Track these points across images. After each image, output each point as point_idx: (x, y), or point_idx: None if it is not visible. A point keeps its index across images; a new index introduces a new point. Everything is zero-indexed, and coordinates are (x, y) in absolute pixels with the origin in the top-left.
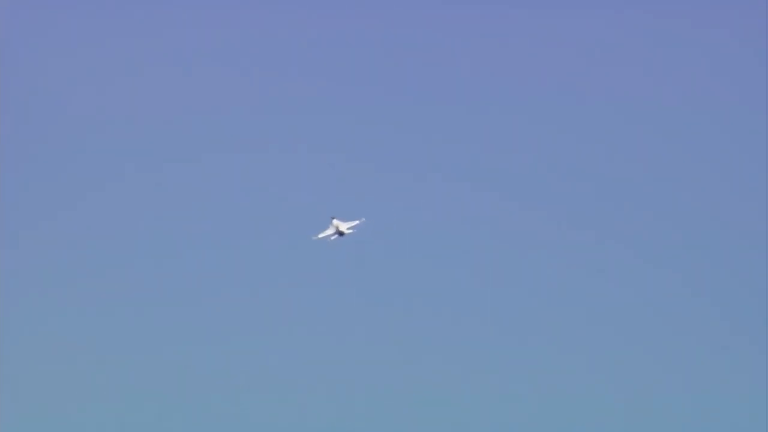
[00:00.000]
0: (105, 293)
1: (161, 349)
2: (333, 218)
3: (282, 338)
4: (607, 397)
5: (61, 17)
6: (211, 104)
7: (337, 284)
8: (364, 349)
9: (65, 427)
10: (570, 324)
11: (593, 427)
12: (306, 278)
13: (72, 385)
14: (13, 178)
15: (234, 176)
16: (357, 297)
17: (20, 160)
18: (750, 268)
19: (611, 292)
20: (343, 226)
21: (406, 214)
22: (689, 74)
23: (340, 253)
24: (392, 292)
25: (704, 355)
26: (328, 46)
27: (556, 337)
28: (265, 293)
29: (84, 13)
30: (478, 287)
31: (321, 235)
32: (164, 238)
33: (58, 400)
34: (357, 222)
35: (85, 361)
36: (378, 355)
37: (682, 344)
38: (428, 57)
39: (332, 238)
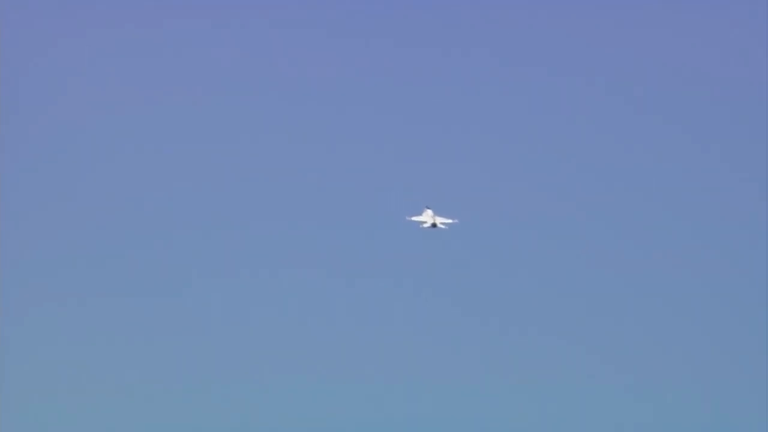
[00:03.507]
0: (116, 289)
1: (176, 345)
2: (427, 208)
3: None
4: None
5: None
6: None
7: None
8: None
9: (65, 426)
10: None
11: None
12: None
13: (72, 386)
14: (12, 177)
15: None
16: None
17: (20, 161)
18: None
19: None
20: (438, 220)
21: (502, 221)
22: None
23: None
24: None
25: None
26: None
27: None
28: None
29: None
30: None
31: (414, 218)
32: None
33: (58, 400)
34: (451, 221)
35: (87, 361)
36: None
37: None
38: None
39: (424, 225)
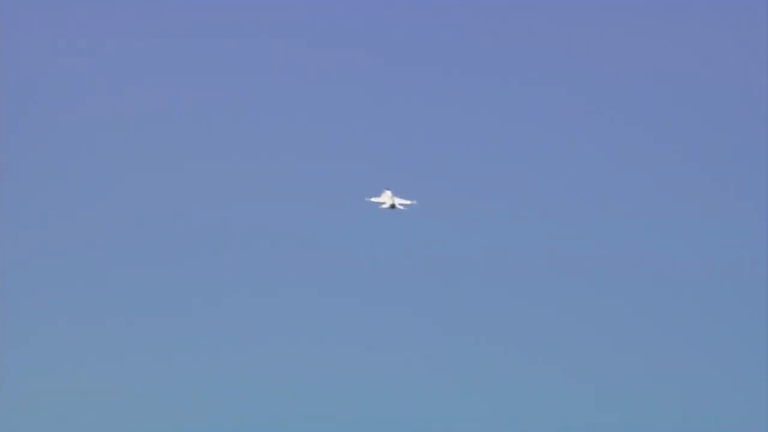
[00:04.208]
0: (111, 293)
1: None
2: (387, 189)
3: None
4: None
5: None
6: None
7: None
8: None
9: (65, 427)
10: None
11: None
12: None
13: (72, 389)
14: (12, 180)
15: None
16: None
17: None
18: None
19: None
20: (396, 201)
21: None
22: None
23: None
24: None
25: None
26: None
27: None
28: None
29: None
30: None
31: (373, 200)
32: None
33: (58, 402)
34: (409, 202)
35: (89, 364)
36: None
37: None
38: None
39: (383, 206)
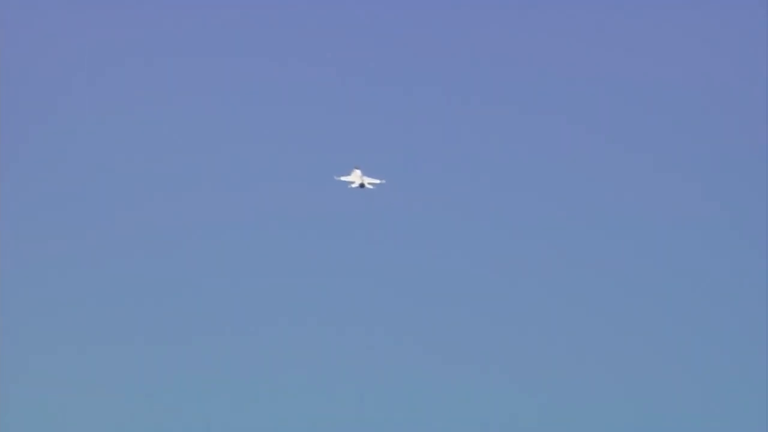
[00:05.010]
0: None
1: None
2: (357, 168)
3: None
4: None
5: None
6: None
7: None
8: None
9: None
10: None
11: None
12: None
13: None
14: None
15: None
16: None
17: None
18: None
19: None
20: (366, 180)
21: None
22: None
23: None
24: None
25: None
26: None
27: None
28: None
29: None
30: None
31: (343, 178)
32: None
33: (58, 401)
34: (378, 181)
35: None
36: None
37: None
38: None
39: (352, 185)
